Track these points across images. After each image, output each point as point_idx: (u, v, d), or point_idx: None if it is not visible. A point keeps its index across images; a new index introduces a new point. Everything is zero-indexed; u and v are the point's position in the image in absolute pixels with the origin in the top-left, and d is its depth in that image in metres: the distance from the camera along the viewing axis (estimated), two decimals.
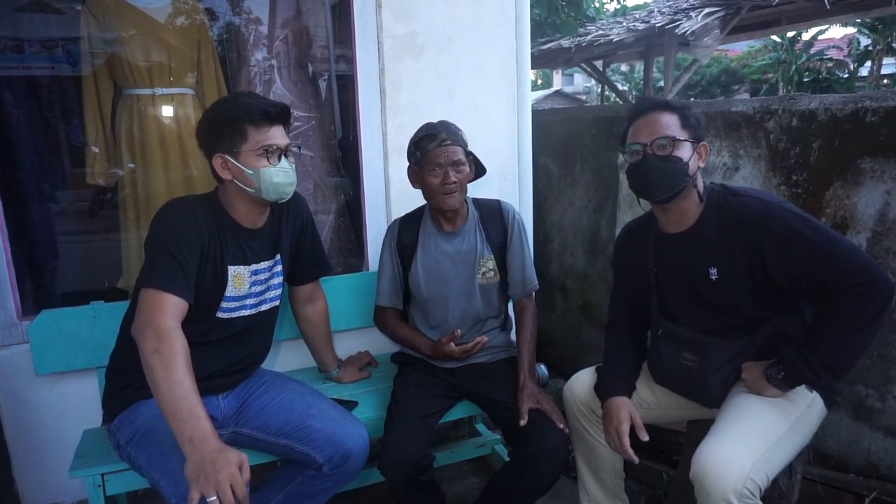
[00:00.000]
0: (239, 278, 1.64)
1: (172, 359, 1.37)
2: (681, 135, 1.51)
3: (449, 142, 1.79)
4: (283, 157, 1.57)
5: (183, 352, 1.40)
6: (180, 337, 1.42)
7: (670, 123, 1.51)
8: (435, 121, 1.86)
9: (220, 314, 1.63)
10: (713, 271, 1.53)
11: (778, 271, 1.45)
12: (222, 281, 1.61)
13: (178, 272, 1.48)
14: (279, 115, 1.57)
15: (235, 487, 1.26)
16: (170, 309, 1.44)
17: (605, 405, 1.65)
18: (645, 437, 1.57)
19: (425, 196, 1.88)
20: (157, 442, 1.48)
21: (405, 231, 1.97)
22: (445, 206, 1.83)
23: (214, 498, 1.24)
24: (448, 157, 1.79)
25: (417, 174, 1.86)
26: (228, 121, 1.54)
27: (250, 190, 1.56)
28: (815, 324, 1.44)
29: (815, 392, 1.51)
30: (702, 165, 1.56)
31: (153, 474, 1.45)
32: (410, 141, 1.87)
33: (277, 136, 1.57)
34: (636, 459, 1.59)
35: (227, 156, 1.55)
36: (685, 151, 1.50)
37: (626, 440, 1.57)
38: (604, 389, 1.68)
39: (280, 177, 1.56)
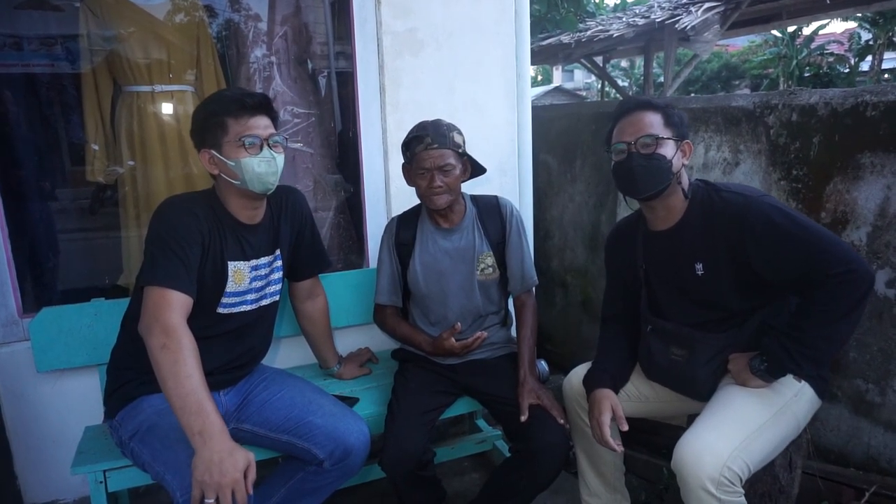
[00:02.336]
0: (239, 274, 1.64)
1: (180, 354, 1.38)
2: (664, 133, 1.53)
3: (436, 145, 1.78)
4: (265, 147, 1.56)
5: (191, 346, 1.41)
6: (187, 332, 1.43)
7: (653, 122, 1.53)
8: (431, 119, 1.86)
9: (220, 310, 1.64)
10: (699, 266, 1.56)
11: (760, 265, 1.46)
12: (222, 277, 1.61)
13: (181, 268, 1.49)
14: (256, 105, 1.56)
15: (237, 493, 1.28)
16: (175, 305, 1.45)
17: (590, 398, 1.67)
18: (624, 427, 1.59)
19: (417, 195, 1.88)
20: (161, 437, 1.49)
21: (403, 229, 1.98)
22: (433, 205, 1.84)
23: (212, 501, 1.26)
24: (434, 161, 1.78)
25: (410, 173, 1.87)
26: (209, 115, 1.55)
27: (236, 182, 1.57)
28: (797, 314, 1.46)
29: (803, 381, 1.52)
30: (686, 163, 1.57)
31: (157, 469, 1.46)
32: (403, 141, 1.87)
33: (258, 126, 1.56)
34: (617, 449, 1.60)
35: (212, 150, 1.56)
36: (668, 149, 1.53)
37: (607, 430, 1.58)
38: (589, 382, 1.70)
39: (262, 166, 1.56)
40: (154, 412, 1.55)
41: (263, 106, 1.58)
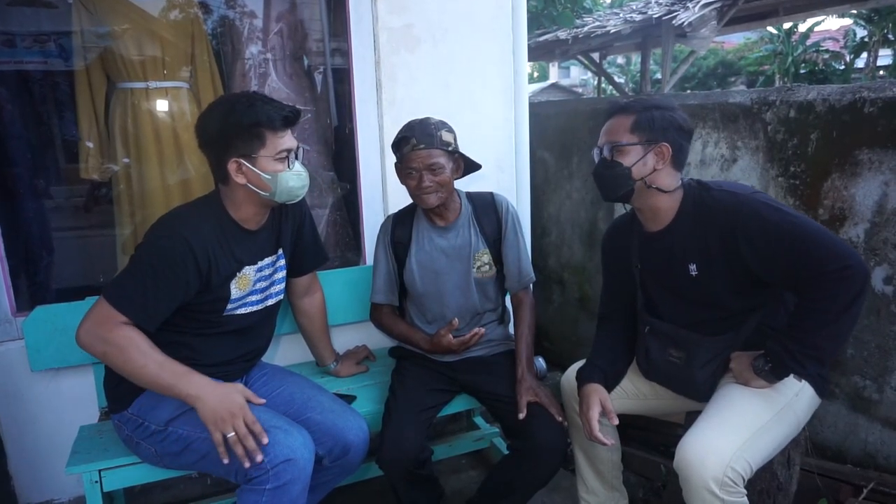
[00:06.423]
0: (244, 279, 1.64)
1: (127, 350, 1.43)
2: (628, 139, 1.51)
3: (422, 146, 1.75)
4: (294, 161, 1.57)
5: (132, 336, 1.44)
6: (122, 330, 1.44)
7: (620, 128, 1.53)
8: (421, 117, 1.83)
9: (225, 313, 1.64)
10: (692, 267, 1.55)
11: (754, 263, 1.45)
12: (227, 288, 1.61)
13: (143, 297, 1.46)
14: (295, 118, 1.56)
15: (246, 418, 1.44)
16: (118, 327, 1.44)
17: (579, 393, 1.68)
18: (615, 422, 1.60)
19: (409, 194, 1.87)
20: None
21: (399, 227, 1.96)
22: (424, 204, 1.82)
23: (232, 434, 1.42)
24: (421, 162, 1.76)
25: (401, 173, 1.85)
26: (247, 126, 1.50)
27: (264, 194, 1.55)
28: (796, 314, 1.44)
29: (803, 381, 1.52)
30: (659, 168, 1.52)
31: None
32: (392, 141, 1.85)
33: (290, 139, 1.57)
34: (607, 443, 1.60)
35: (242, 160, 1.51)
36: (630, 156, 1.51)
37: (595, 425, 1.58)
38: (579, 378, 1.71)
39: (294, 181, 1.56)
40: None
41: (297, 119, 1.57)
